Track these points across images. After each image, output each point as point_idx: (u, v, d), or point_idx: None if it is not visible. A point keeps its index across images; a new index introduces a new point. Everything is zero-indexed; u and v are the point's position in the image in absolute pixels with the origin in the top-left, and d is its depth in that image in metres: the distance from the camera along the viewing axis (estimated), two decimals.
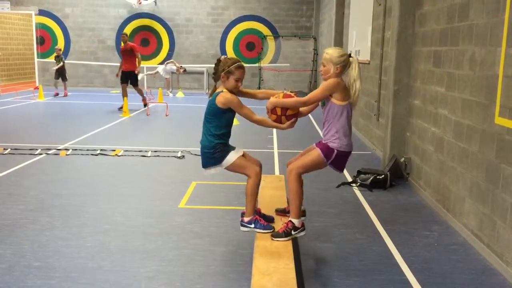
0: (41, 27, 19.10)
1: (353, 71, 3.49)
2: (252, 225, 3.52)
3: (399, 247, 4.20)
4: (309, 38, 19.01)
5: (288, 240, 3.33)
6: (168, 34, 19.17)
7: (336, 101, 3.45)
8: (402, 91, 6.41)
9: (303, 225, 3.48)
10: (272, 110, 3.50)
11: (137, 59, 12.73)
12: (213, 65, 3.72)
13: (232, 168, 3.58)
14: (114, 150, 7.73)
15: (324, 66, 3.50)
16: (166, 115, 12.02)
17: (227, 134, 3.61)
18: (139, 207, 5.12)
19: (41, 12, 19.01)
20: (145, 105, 13.00)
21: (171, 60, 17.79)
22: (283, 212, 3.79)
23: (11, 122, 10.61)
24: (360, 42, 9.97)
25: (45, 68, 19.38)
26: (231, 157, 3.53)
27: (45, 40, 19.20)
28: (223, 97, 3.49)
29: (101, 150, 7.75)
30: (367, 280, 3.60)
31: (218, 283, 3.50)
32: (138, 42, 19.05)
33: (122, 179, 6.22)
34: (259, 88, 18.85)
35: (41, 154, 7.42)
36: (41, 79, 19.18)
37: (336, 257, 4.00)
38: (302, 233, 3.49)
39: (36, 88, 17.66)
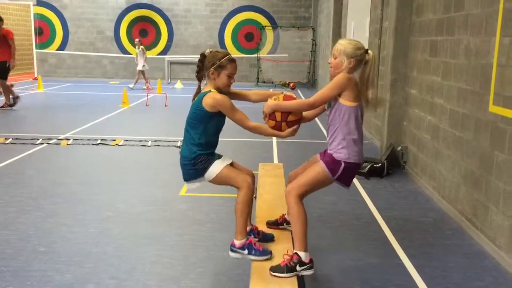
0: (40, 17, 19.09)
1: (368, 70, 2.96)
2: (246, 251, 2.89)
3: (395, 233, 4.30)
4: (307, 29, 19.03)
5: (291, 277, 2.69)
6: (166, 24, 19.18)
7: (344, 101, 2.90)
8: (399, 80, 6.49)
9: (311, 260, 2.81)
10: (270, 115, 2.96)
11: (11, 47, 10.49)
12: None
13: (218, 180, 3.00)
14: (115, 140, 7.82)
15: (335, 58, 2.97)
16: (165, 106, 12.09)
17: (213, 144, 3.06)
18: (140, 195, 5.22)
19: (39, 3, 19.00)
20: (10, 105, 10.89)
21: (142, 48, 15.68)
22: (275, 224, 3.26)
23: (11, 112, 10.67)
24: (358, 32, 10.03)
25: (44, 59, 19.40)
26: (216, 168, 2.96)
27: (43, 30, 19.19)
28: (212, 98, 2.92)
29: (101, 140, 7.83)
30: (364, 264, 3.71)
31: (219, 267, 3.60)
32: (136, 33, 19.08)
33: (123, 168, 6.31)
34: (257, 80, 18.91)
35: (42, 143, 7.50)
36: (40, 70, 19.20)
37: (333, 242, 4.11)
38: (309, 272, 2.80)
39: (35, 79, 17.69)
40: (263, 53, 19.14)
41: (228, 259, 3.10)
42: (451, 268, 3.68)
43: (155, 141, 7.83)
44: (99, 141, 7.73)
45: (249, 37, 19.17)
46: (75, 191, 5.32)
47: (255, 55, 19.05)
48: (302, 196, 2.90)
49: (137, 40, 16.03)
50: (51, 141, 7.66)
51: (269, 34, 19.17)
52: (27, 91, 14.86)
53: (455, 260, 3.81)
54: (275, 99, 2.97)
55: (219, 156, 3.06)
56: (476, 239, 4.17)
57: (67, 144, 7.53)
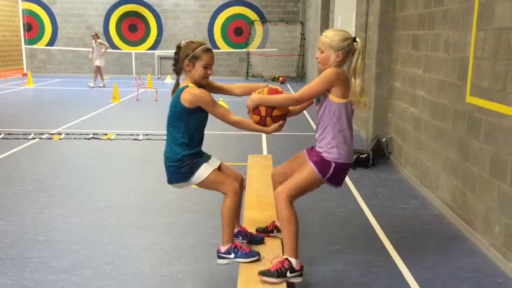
0: (28, 13, 19.06)
1: (355, 60, 2.77)
2: (232, 255, 2.83)
3: (378, 219, 4.50)
4: (296, 23, 19.19)
5: (280, 283, 2.61)
6: (155, 19, 19.24)
7: (334, 98, 2.74)
8: (384, 73, 6.69)
9: (301, 267, 2.74)
10: (254, 110, 2.81)
11: None
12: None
13: (204, 185, 2.89)
14: (106, 134, 7.95)
15: (321, 52, 2.78)
16: (156, 100, 12.21)
17: (198, 141, 2.91)
18: (133, 187, 5.37)
19: None
20: None
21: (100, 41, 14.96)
22: (265, 232, 3.13)
23: (2, 108, 10.73)
24: (345, 27, 10.21)
25: (33, 54, 19.38)
26: (203, 172, 2.83)
27: (32, 26, 19.16)
28: (190, 93, 2.77)
29: (93, 134, 7.96)
30: (348, 247, 3.90)
31: (210, 252, 3.77)
32: (125, 28, 19.12)
33: (115, 161, 6.46)
34: (247, 74, 19.06)
35: (34, 138, 7.62)
36: (29, 65, 19.18)
37: (319, 228, 4.30)
38: (299, 279, 2.72)
39: (25, 74, 17.69)
40: (253, 48, 19.29)
41: (219, 245, 3.02)
42: (430, 250, 3.88)
43: (146, 135, 7.97)
44: (91, 136, 7.86)
45: (239, 32, 19.30)
46: (69, 183, 5.46)
47: (244, 50, 19.19)
48: (292, 199, 2.77)
49: (93, 33, 15.43)
50: (43, 136, 7.77)
51: (258, 28, 19.31)
52: (16, 87, 14.88)
53: (433, 243, 4.02)
54: (259, 93, 2.82)
55: (207, 158, 2.93)
56: (454, 223, 4.39)
57: (60, 139, 7.64)
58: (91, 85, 14.90)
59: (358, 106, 2.80)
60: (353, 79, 2.77)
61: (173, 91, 2.92)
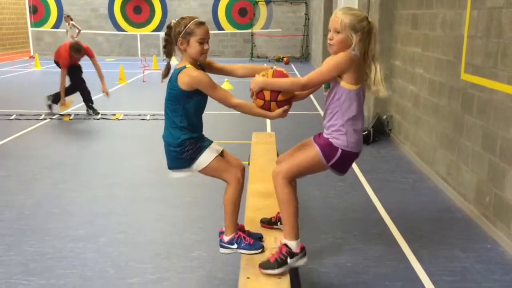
0: None
1: (373, 42, 2.52)
2: (235, 245, 2.73)
3: (377, 192, 4.72)
4: (300, 3, 19.19)
5: (282, 272, 2.48)
6: (160, 1, 19.29)
7: (345, 84, 2.52)
8: (385, 53, 6.83)
9: (302, 248, 2.58)
10: (258, 94, 2.60)
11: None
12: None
13: (206, 172, 2.74)
14: (115, 115, 8.17)
15: (338, 32, 2.49)
16: (162, 82, 12.36)
17: (198, 125, 2.74)
18: (142, 164, 5.61)
19: None
20: None
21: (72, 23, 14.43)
22: (269, 223, 2.98)
23: (13, 90, 10.97)
24: (348, 5, 10.29)
25: (40, 37, 19.53)
26: (205, 159, 2.69)
27: (38, 9, 19.28)
28: (187, 75, 2.58)
29: (102, 114, 8.18)
30: (346, 218, 4.13)
31: (217, 223, 4.00)
32: (130, 10, 19.21)
33: (124, 140, 6.70)
34: (251, 55, 19.14)
35: (45, 119, 7.86)
36: (35, 48, 19.35)
37: (319, 201, 4.52)
38: (302, 261, 2.58)
39: (32, 57, 17.88)
40: (257, 28, 19.34)
41: (221, 252, 2.88)
42: (425, 220, 4.10)
43: (153, 115, 8.18)
44: (99, 116, 8.08)
45: (243, 13, 19.33)
46: (80, 161, 5.70)
47: (249, 31, 19.25)
48: (290, 180, 2.63)
49: (65, 15, 14.95)
50: (53, 117, 8.01)
51: (263, 9, 19.33)
52: (24, 69, 15.09)
53: (428, 214, 4.24)
54: (263, 75, 2.60)
55: (209, 143, 2.76)
56: (449, 195, 4.60)
57: (69, 119, 7.88)
58: None
59: (375, 94, 2.57)
60: (372, 64, 2.52)
61: (164, 74, 2.75)
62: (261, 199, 3.56)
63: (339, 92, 2.54)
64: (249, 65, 2.95)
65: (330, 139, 2.62)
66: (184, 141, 2.67)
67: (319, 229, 3.91)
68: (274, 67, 2.71)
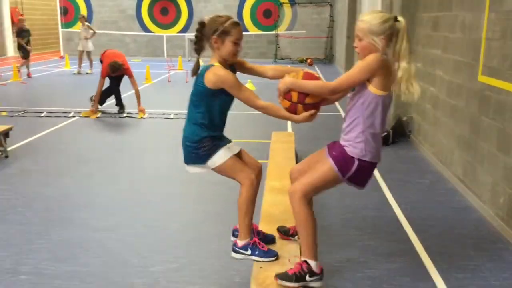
0: None
1: (400, 42, 2.42)
2: (249, 251, 2.68)
3: (393, 191, 4.79)
4: (325, 5, 19.23)
5: (298, 287, 2.46)
6: (186, 2, 19.60)
7: (373, 88, 2.42)
8: None
9: (321, 270, 2.56)
10: (285, 94, 2.52)
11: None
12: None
13: (220, 170, 2.71)
14: (140, 113, 8.41)
15: (360, 40, 2.45)
16: (186, 82, 12.63)
17: (219, 125, 2.72)
18: (164, 160, 5.80)
19: None
20: None
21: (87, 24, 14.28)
22: (285, 234, 2.93)
23: (43, 89, 11.37)
24: (371, 8, 10.33)
25: (70, 38, 20.07)
26: (220, 158, 2.66)
27: (68, 10, 19.82)
28: (214, 73, 2.56)
29: (127, 113, 8.44)
30: (361, 216, 4.22)
31: (232, 219, 4.13)
32: (157, 11, 19.58)
33: (148, 138, 6.92)
34: (275, 56, 19.27)
35: (74, 116, 8.15)
36: (65, 48, 19.89)
37: (335, 198, 4.61)
38: (319, 284, 2.54)
39: (62, 57, 18.41)
40: (281, 30, 19.46)
41: (232, 257, 2.87)
42: (439, 219, 4.16)
43: (177, 114, 8.39)
44: (125, 114, 8.34)
45: (267, 14, 19.48)
46: (106, 157, 5.93)
47: (273, 32, 19.38)
48: (307, 198, 2.54)
49: (81, 16, 14.84)
50: (80, 114, 8.29)
51: (287, 10, 19.45)
52: (55, 69, 15.56)
53: (443, 213, 4.29)
54: (293, 77, 2.53)
55: (227, 142, 2.74)
56: (465, 196, 4.63)
57: (97, 117, 8.15)
58: (75, 71, 14.14)
59: (408, 98, 2.46)
60: (399, 64, 2.42)
61: (194, 71, 2.70)
62: (278, 195, 3.69)
63: (365, 96, 2.44)
64: (279, 67, 2.87)
65: (346, 147, 2.52)
66: (202, 138, 2.65)
67: (334, 225, 4.01)
68: (305, 69, 2.62)
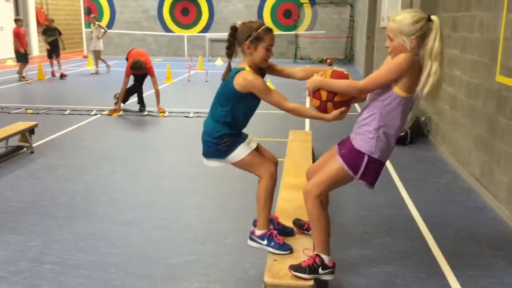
0: None
1: (432, 42, 2.38)
2: (265, 241, 2.81)
3: (409, 190, 4.82)
4: (345, 5, 19.18)
5: (311, 279, 2.56)
6: (207, 3, 19.77)
7: (397, 88, 2.42)
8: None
9: (334, 264, 2.67)
10: (314, 93, 2.54)
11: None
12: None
13: (239, 165, 2.82)
14: (160, 112, 8.56)
15: (391, 40, 2.45)
16: (206, 81, 12.77)
17: (242, 125, 2.83)
18: (184, 157, 5.92)
19: None
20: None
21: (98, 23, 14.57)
22: (301, 227, 3.05)
23: (67, 87, 11.64)
24: (391, 8, 10.31)
25: None
26: (239, 153, 2.77)
27: (91, 10, 20.17)
28: (243, 78, 2.63)
29: (148, 111, 8.60)
30: (376, 214, 4.26)
31: (251, 214, 4.21)
32: (178, 11, 19.82)
33: (168, 135, 7.06)
34: (295, 56, 19.30)
35: (96, 114, 8.34)
36: (89, 48, 20.24)
37: (351, 196, 4.67)
38: (330, 277, 2.66)
39: (85, 57, 18.76)
40: (301, 30, 19.48)
41: (249, 245, 3.01)
42: (454, 218, 4.18)
43: (197, 112, 8.52)
44: (146, 113, 8.50)
45: (287, 14, 19.53)
46: (127, 154, 6.08)
47: (293, 32, 19.42)
48: (320, 197, 2.62)
49: (92, 16, 14.94)
50: (103, 112, 8.49)
51: (307, 11, 19.46)
52: (78, 68, 15.87)
53: (459, 213, 4.31)
54: (321, 75, 2.54)
55: (245, 138, 2.84)
56: (482, 195, 4.64)
57: (118, 115, 8.33)
58: (93, 71, 14.41)
59: (433, 97, 2.44)
60: (428, 64, 2.39)
61: (224, 75, 2.76)
62: (293, 192, 3.77)
63: (387, 93, 2.43)
64: (308, 67, 2.90)
65: (355, 141, 2.54)
66: (222, 135, 2.74)
67: (349, 222, 4.07)
68: (335, 67, 2.63)
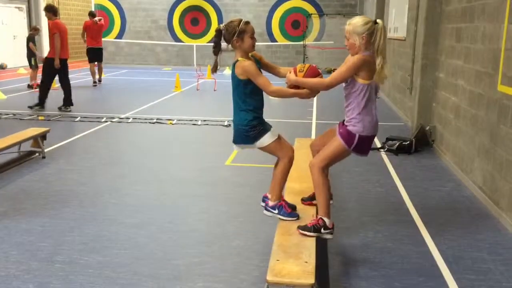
0: (100, 8, 20.40)
1: (378, 40, 3.10)
2: (276, 211, 3.41)
3: (412, 197, 4.89)
4: (353, 16, 19.32)
5: (314, 236, 3.14)
6: (216, 13, 20.02)
7: (360, 79, 3.16)
8: (429, 65, 6.96)
9: (333, 226, 3.28)
10: (291, 87, 3.31)
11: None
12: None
13: (266, 149, 3.40)
14: (169, 119, 8.71)
15: (348, 39, 3.18)
16: (214, 90, 12.93)
17: (259, 107, 3.36)
18: (191, 164, 6.04)
19: None
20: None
21: None
22: (309, 200, 3.66)
23: (78, 95, 11.80)
24: (398, 19, 10.43)
25: (103, 47, 20.65)
26: (266, 140, 3.34)
27: (103, 20, 20.48)
28: (240, 66, 3.23)
29: (157, 119, 8.75)
30: (379, 220, 4.34)
31: (257, 217, 4.33)
32: (188, 21, 20.07)
33: (177, 142, 7.18)
34: None
35: (106, 121, 8.50)
36: None
37: (355, 203, 4.75)
38: (330, 236, 3.27)
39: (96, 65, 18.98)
40: (309, 41, 19.65)
41: (264, 214, 3.55)
42: (456, 225, 4.25)
43: (205, 120, 8.65)
44: (155, 120, 8.65)
45: (296, 25, 19.71)
46: (136, 160, 6.21)
47: (301, 43, 19.59)
48: (324, 168, 3.29)
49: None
50: (113, 120, 8.66)
51: (316, 21, 19.64)
52: (89, 76, 16.10)
53: (461, 220, 4.37)
54: (300, 70, 3.25)
55: (269, 128, 3.38)
56: (484, 203, 4.70)
57: (128, 122, 8.49)
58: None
59: (381, 81, 3.19)
60: (377, 57, 3.11)
61: (214, 69, 3.43)
62: (295, 197, 3.86)
63: (356, 86, 3.17)
64: (290, 68, 3.45)
65: (349, 127, 3.25)
66: (251, 121, 3.28)
67: (353, 227, 4.14)
68: (312, 64, 3.30)
